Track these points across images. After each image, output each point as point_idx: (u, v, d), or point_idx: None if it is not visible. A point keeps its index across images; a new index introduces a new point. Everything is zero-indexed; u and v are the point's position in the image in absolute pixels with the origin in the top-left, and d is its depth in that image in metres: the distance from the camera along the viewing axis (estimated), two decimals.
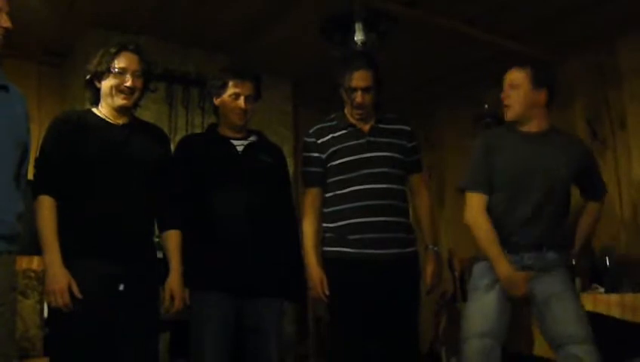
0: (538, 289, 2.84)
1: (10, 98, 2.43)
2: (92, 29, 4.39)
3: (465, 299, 4.90)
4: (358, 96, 3.00)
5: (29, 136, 2.46)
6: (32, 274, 3.48)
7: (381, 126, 3.10)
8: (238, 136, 3.00)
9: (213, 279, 2.76)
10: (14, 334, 2.38)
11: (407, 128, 3.16)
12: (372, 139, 3.05)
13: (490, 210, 2.95)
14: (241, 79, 2.95)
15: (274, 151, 3.13)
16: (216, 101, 3.00)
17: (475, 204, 2.96)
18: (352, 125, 3.08)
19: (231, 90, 2.94)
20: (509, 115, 2.96)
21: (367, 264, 2.91)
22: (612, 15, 4.40)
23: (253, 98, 3.00)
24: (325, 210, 3.09)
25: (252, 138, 3.03)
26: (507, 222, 2.91)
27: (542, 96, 2.92)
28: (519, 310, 2.96)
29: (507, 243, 2.88)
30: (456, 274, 4.95)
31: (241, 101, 2.93)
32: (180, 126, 4.78)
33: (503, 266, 2.82)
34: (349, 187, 2.99)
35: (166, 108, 4.77)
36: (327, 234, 3.05)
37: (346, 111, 3.13)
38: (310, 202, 3.11)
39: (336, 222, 3.01)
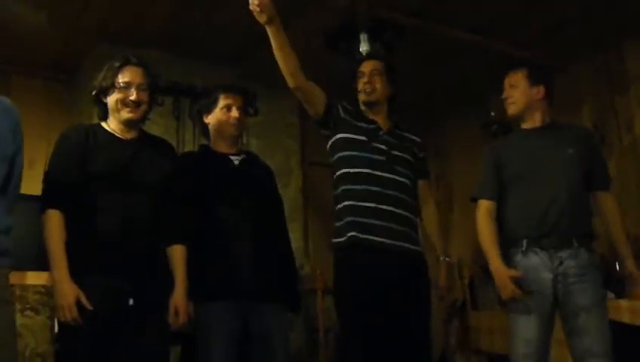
0: (570, 299, 2.87)
1: None
2: (99, 44, 4.43)
3: (475, 306, 4.92)
4: (366, 78, 3.12)
5: (20, 149, 2.36)
6: (43, 290, 3.49)
7: (397, 131, 3.15)
8: (233, 151, 3.04)
9: (216, 288, 2.77)
10: (15, 348, 2.36)
11: (418, 140, 3.23)
12: (390, 139, 3.09)
13: (510, 212, 3.05)
14: (231, 92, 3.03)
15: (265, 168, 3.21)
16: (208, 118, 3.05)
17: (480, 209, 3.10)
18: (372, 121, 3.11)
19: (222, 102, 3.00)
20: (511, 110, 3.15)
21: (385, 253, 2.91)
22: (620, 20, 4.40)
23: (244, 110, 3.05)
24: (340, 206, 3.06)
25: (244, 155, 3.09)
26: (530, 219, 2.96)
27: (539, 91, 3.10)
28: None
29: (536, 240, 2.93)
30: (466, 281, 4.95)
31: (234, 111, 2.99)
32: (187, 139, 4.80)
33: (496, 263, 2.95)
34: (363, 177, 3.00)
35: (173, 122, 4.79)
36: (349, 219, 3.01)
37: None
38: None
39: (353, 213, 2.99)
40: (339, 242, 3.00)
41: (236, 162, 3.01)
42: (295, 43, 4.68)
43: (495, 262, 2.95)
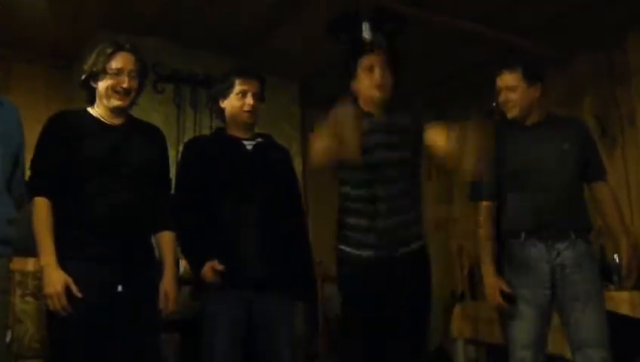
0: (568, 290, 2.89)
1: (3, 111, 2.45)
2: (100, 32, 4.40)
3: (474, 296, 4.92)
4: (377, 73, 2.85)
5: (22, 148, 2.50)
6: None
7: (389, 115, 2.90)
8: (247, 136, 3.00)
9: (225, 276, 2.75)
10: (4, 336, 2.38)
11: (411, 112, 2.97)
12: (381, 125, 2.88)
13: (507, 206, 3.06)
14: (247, 77, 2.96)
15: (282, 151, 3.14)
16: (223, 103, 2.99)
17: (480, 212, 3.11)
18: (368, 114, 2.89)
19: (238, 88, 2.94)
20: (512, 113, 3.10)
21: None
22: (622, 12, 4.39)
23: (259, 97, 3.00)
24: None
25: (259, 139, 3.04)
26: (527, 213, 2.98)
27: (537, 90, 3.07)
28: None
29: (533, 232, 2.95)
30: (465, 271, 4.95)
31: (249, 98, 2.94)
32: (188, 127, 4.80)
33: (488, 269, 3.01)
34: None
35: (174, 110, 4.78)
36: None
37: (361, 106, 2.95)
38: None
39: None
40: (337, 249, 2.90)
41: (249, 147, 2.97)
42: (297, 31, 4.71)
43: (487, 269, 3.01)
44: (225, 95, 2.98)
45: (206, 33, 4.72)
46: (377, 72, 2.86)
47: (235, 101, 2.95)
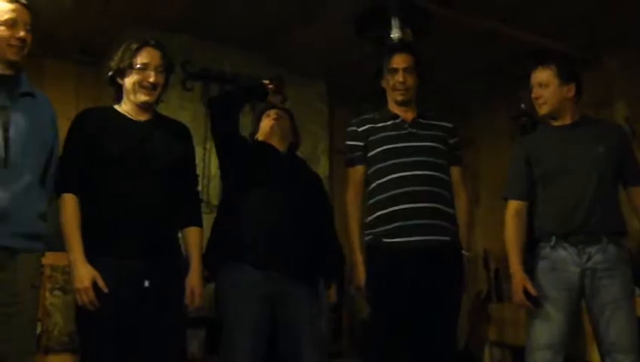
0: (598, 294, 2.86)
1: (36, 103, 2.49)
2: (128, 29, 4.44)
3: (499, 298, 4.89)
4: (400, 76, 3.09)
5: (56, 140, 2.53)
6: None
7: (423, 121, 3.14)
8: (281, 148, 3.09)
9: (250, 253, 2.78)
10: (34, 331, 2.44)
11: (449, 125, 3.21)
12: (414, 130, 3.08)
13: (539, 209, 3.04)
14: (275, 108, 3.14)
15: (312, 170, 3.32)
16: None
17: (510, 209, 3.10)
18: (393, 116, 3.11)
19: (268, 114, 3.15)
20: (543, 110, 3.07)
21: (410, 252, 2.91)
22: None
23: (284, 111, 3.17)
24: (367, 203, 3.11)
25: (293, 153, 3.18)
26: (558, 216, 2.95)
27: (571, 90, 3.03)
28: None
29: (564, 237, 2.92)
30: (491, 273, 4.93)
31: (273, 114, 3.12)
32: None
33: (515, 267, 2.99)
34: (388, 175, 3.01)
35: (202, 108, 4.81)
36: (370, 223, 3.07)
37: (389, 106, 3.17)
38: (355, 180, 3.16)
39: (377, 211, 3.02)
40: (366, 239, 3.06)
41: (282, 149, 3.07)
42: (323, 28, 4.70)
43: (515, 266, 2.99)
44: (259, 119, 3.20)
45: (234, 30, 4.73)
46: (399, 74, 3.12)
47: (266, 122, 3.14)
